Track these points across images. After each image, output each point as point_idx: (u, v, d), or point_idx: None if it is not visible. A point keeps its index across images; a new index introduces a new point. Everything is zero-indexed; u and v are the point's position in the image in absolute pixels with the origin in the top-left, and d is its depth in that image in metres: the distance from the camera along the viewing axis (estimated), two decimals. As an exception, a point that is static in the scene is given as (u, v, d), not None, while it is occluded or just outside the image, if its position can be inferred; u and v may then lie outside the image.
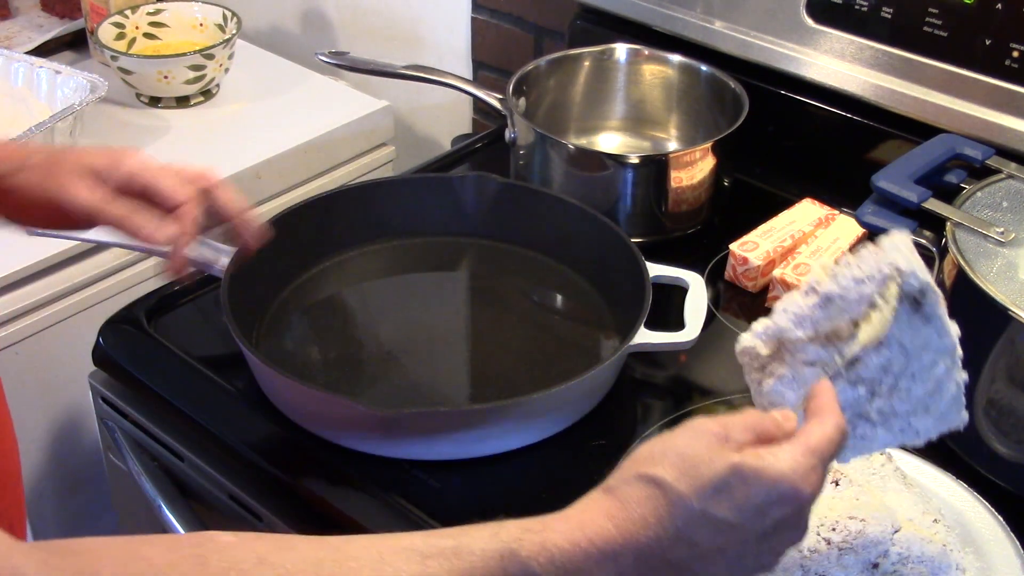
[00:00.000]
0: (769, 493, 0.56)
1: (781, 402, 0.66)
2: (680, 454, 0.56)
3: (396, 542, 0.54)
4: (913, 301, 0.64)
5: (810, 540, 0.75)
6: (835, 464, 0.83)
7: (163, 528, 0.98)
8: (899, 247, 0.65)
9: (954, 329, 0.66)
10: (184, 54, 1.36)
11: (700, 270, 1.01)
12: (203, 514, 0.96)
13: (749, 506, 0.56)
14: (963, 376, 0.68)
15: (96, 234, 0.86)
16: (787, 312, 0.66)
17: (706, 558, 0.56)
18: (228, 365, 0.95)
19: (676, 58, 1.25)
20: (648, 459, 0.57)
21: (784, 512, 0.57)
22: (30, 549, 0.48)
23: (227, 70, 1.42)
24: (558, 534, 0.54)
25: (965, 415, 0.69)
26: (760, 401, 0.68)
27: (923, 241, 0.91)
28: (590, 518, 0.55)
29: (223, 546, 0.52)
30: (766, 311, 1.06)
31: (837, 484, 0.80)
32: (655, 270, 0.98)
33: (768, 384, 0.67)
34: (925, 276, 0.64)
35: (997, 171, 0.95)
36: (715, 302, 1.07)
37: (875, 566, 0.74)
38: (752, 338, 0.68)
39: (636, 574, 0.55)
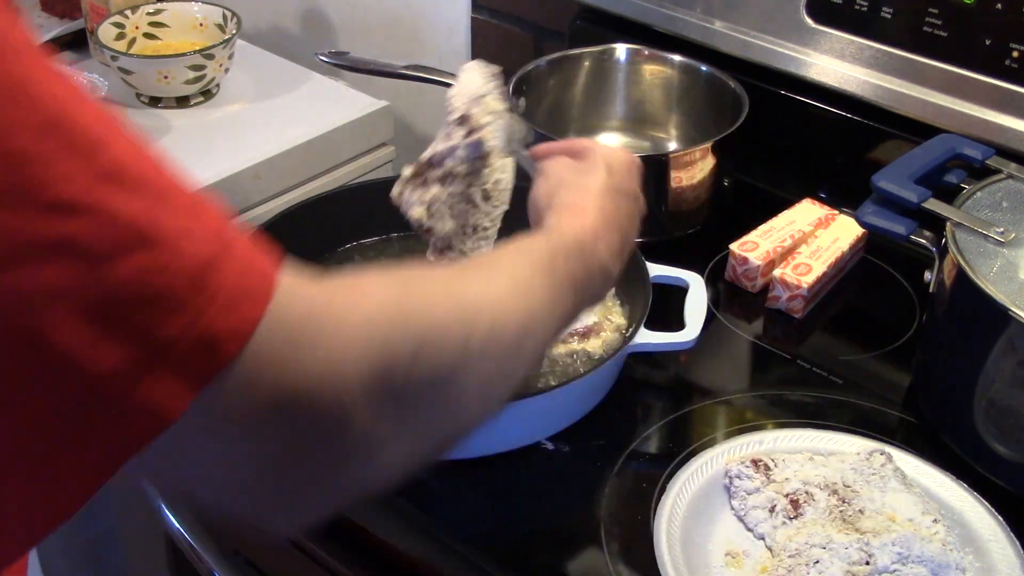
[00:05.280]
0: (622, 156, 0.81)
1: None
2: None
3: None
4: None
5: (810, 540, 0.76)
6: (834, 464, 0.83)
7: (163, 528, 0.98)
8: (473, 76, 0.84)
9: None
10: (184, 54, 1.36)
11: (700, 270, 1.01)
12: (203, 514, 0.96)
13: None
14: None
15: None
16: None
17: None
18: (228, 365, 0.95)
19: (676, 58, 1.25)
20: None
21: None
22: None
23: (227, 70, 1.42)
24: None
25: None
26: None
27: (923, 241, 0.91)
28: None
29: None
30: (766, 311, 1.06)
31: (836, 487, 0.81)
32: (655, 270, 0.98)
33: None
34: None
35: (997, 171, 0.95)
36: (715, 302, 1.07)
37: (875, 566, 0.74)
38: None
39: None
